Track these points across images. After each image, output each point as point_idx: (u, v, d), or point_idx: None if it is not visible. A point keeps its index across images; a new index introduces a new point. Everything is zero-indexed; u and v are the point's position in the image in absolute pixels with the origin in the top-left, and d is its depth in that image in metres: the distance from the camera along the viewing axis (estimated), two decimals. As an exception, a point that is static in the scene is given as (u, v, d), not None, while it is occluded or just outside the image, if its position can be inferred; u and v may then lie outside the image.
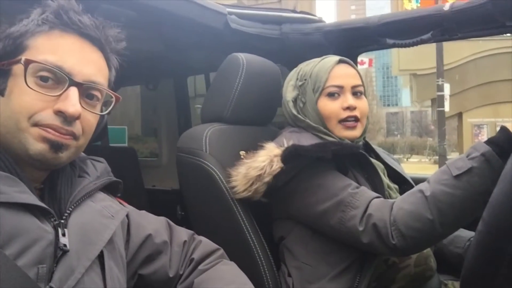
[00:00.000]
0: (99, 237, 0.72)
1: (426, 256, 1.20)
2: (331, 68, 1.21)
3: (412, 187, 1.12)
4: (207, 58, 2.00)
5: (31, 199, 0.66)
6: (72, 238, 0.68)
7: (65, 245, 0.66)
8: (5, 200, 0.63)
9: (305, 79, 1.24)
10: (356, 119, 1.21)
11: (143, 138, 3.34)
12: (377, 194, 1.10)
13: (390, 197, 1.20)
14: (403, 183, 1.31)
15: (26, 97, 0.69)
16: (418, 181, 1.20)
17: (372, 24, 1.43)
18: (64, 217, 0.70)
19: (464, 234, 1.33)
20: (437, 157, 14.02)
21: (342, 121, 1.20)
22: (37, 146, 0.69)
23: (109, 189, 0.86)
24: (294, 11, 1.64)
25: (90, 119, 0.76)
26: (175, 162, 1.30)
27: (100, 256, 0.72)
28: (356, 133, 1.21)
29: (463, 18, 1.27)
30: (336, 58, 1.24)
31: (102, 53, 0.78)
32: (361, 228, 1.05)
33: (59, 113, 0.70)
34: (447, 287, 1.28)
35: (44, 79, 0.70)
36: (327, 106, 1.21)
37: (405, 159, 19.76)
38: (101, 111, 0.79)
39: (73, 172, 0.79)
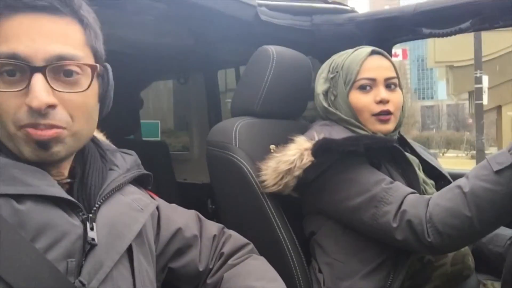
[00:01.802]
0: (128, 230, 0.72)
1: (463, 255, 1.16)
2: (363, 60, 1.18)
3: (449, 182, 1.08)
4: (237, 51, 1.99)
5: (60, 192, 0.66)
6: (100, 232, 0.68)
7: (93, 239, 0.66)
8: (35, 193, 0.63)
9: (337, 72, 1.21)
10: (389, 113, 1.17)
11: (176, 132, 3.38)
12: (412, 190, 1.07)
13: (426, 193, 1.16)
14: (440, 179, 1.27)
15: (1, 100, 0.63)
16: (455, 176, 1.15)
17: (408, 13, 1.38)
18: (92, 211, 0.70)
19: (505, 232, 1.28)
20: (474, 151, 13.59)
21: (375, 114, 1.17)
22: (27, 149, 0.65)
23: (139, 181, 0.86)
24: (325, 1, 1.60)
25: (74, 99, 0.66)
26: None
27: (129, 250, 0.72)
28: (389, 126, 1.17)
29: (505, 5, 1.21)
30: (369, 49, 1.20)
31: (66, 17, 0.66)
32: (395, 225, 1.01)
33: (29, 108, 0.62)
34: (486, 287, 1.23)
35: (10, 73, 0.63)
36: (359, 99, 1.17)
37: (441, 154, 19.25)
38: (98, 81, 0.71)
39: (105, 166, 0.78)
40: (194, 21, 1.49)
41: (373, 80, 1.17)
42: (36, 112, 0.62)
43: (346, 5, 1.60)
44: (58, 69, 0.65)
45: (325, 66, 1.26)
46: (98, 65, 0.70)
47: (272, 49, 1.29)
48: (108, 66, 0.75)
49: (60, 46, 0.65)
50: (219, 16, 1.39)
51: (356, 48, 1.23)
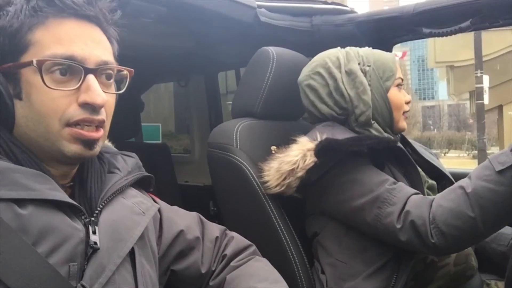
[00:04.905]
0: (130, 234, 0.72)
1: (466, 255, 1.15)
2: (395, 59, 1.20)
3: (451, 182, 1.08)
4: (237, 53, 1.99)
5: (62, 196, 0.66)
6: (102, 236, 0.68)
7: (95, 243, 0.66)
8: (37, 197, 0.63)
9: (369, 65, 1.18)
10: None
11: (177, 135, 3.37)
12: (415, 191, 1.06)
13: None
14: (442, 179, 1.26)
15: (48, 98, 0.66)
16: (457, 176, 1.15)
17: (407, 13, 1.38)
18: (94, 215, 0.70)
19: (508, 231, 1.27)
20: (476, 151, 13.56)
21: (404, 112, 1.21)
22: (72, 148, 0.68)
23: (141, 184, 0.86)
24: (325, 2, 1.60)
25: (111, 100, 0.74)
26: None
27: (131, 253, 0.72)
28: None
29: (505, 4, 1.20)
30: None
31: (101, 29, 0.73)
32: (398, 226, 1.01)
33: (85, 105, 0.67)
34: (489, 287, 1.22)
35: (62, 71, 0.67)
36: (399, 97, 1.20)
37: (443, 154, 19.22)
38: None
39: (102, 167, 0.78)
40: (194, 23, 1.49)
41: (403, 80, 1.21)
42: (91, 108, 0.68)
43: (346, 6, 1.60)
44: (102, 72, 0.71)
45: (347, 58, 1.18)
46: (133, 70, 0.76)
47: (272, 50, 1.29)
48: None
49: (106, 53, 0.72)
50: (219, 18, 1.39)
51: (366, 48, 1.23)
